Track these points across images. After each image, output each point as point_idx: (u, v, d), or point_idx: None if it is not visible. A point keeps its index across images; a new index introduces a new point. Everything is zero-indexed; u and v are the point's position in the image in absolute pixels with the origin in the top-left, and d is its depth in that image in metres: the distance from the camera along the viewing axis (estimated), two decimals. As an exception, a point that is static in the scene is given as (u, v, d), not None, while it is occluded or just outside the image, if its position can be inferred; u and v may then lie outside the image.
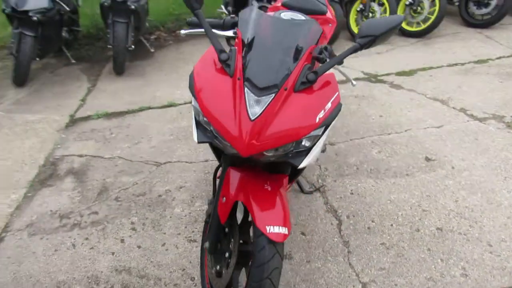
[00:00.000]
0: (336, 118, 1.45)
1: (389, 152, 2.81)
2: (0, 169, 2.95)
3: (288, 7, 2.47)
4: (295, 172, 1.82)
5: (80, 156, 3.08)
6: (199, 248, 2.12)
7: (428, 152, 2.77)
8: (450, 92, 3.59)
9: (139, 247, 2.18)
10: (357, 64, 4.39)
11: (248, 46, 1.42)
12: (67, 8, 4.74)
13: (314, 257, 2.03)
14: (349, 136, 3.05)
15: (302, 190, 2.48)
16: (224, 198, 1.56)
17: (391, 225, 2.19)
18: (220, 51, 1.39)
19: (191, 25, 1.65)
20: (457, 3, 5.31)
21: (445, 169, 2.58)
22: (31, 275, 2.05)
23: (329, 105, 1.40)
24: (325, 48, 1.52)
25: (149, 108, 3.79)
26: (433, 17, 4.87)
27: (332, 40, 5.07)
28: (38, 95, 4.26)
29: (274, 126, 1.30)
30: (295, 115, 1.33)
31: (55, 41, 4.90)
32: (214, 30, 1.55)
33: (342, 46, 5.02)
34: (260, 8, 2.46)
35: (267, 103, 1.31)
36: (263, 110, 1.30)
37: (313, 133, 1.36)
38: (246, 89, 1.33)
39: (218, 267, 1.63)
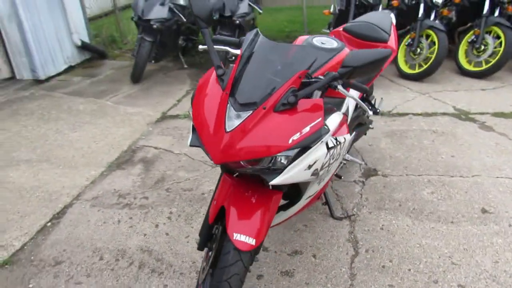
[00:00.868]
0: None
1: (443, 195, 2.59)
2: (92, 149, 3.51)
3: (348, 32, 2.49)
4: (297, 194, 1.86)
5: (156, 148, 3.49)
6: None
7: (487, 204, 2.47)
8: (549, 142, 3.12)
9: (167, 234, 2.42)
10: (451, 98, 4.06)
11: (243, 64, 1.53)
12: (184, 20, 5.35)
13: (314, 281, 2.02)
14: (407, 170, 2.88)
15: (332, 215, 2.45)
16: (215, 201, 1.69)
17: (409, 269, 2.04)
18: (218, 66, 1.54)
19: (214, 41, 1.82)
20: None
21: (499, 225, 2.29)
22: (78, 238, 2.44)
23: (307, 129, 1.43)
24: (327, 74, 1.54)
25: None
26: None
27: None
28: (146, 92, 4.90)
29: (246, 140, 1.39)
30: (269, 133, 1.40)
31: (170, 47, 5.58)
32: (232, 50, 1.71)
33: (446, 77, 4.69)
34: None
35: (244, 118, 1.41)
36: (239, 124, 1.40)
37: (284, 153, 1.41)
38: (228, 103, 1.45)
39: (204, 263, 1.77)
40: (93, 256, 2.27)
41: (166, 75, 5.57)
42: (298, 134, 1.41)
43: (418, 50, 4.63)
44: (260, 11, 5.35)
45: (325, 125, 1.54)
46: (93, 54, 6.34)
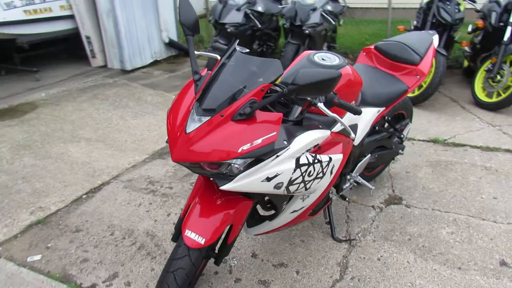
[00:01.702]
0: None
1: (463, 237, 2.36)
2: (144, 136, 3.85)
3: (378, 50, 2.42)
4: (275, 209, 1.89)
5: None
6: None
7: (511, 257, 2.20)
8: None
9: (173, 223, 2.58)
10: (523, 135, 3.62)
11: (216, 73, 1.60)
12: (259, 25, 5.52)
13: (287, 296, 2.01)
14: (435, 205, 2.67)
15: (332, 235, 2.39)
16: (189, 198, 1.79)
17: (388, 306, 1.92)
18: (195, 72, 1.63)
19: (215, 48, 1.91)
20: None
21: (514, 282, 2.02)
22: (101, 212, 2.72)
23: (258, 141, 1.46)
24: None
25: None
26: None
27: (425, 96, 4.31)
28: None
29: (200, 143, 1.47)
30: (222, 139, 1.46)
31: (244, 51, 5.80)
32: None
33: (450, 108, 4.18)
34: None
35: (202, 123, 1.49)
36: (196, 128, 1.48)
37: (233, 161, 1.46)
38: (193, 107, 1.53)
39: None
40: (106, 231, 2.53)
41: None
42: (249, 144, 1.45)
43: (498, 77, 4.19)
44: (334, 22, 5.29)
45: (286, 140, 1.54)
46: (179, 51, 6.86)
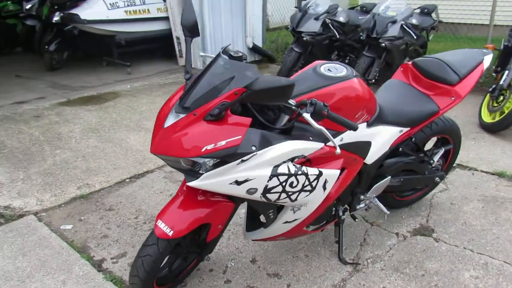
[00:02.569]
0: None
1: (488, 284, 2.06)
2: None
3: (415, 66, 2.27)
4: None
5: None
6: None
7: (540, 317, 1.86)
8: None
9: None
10: None
11: (201, 73, 1.65)
12: (338, 36, 5.42)
13: (267, 307, 1.97)
14: (469, 244, 2.37)
15: (339, 256, 2.27)
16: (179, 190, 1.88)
17: None
18: (186, 71, 1.71)
19: (223, 52, 1.95)
20: None
21: None
22: (136, 197, 2.94)
23: (222, 142, 1.47)
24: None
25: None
26: None
27: None
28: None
29: (172, 138, 1.53)
30: (191, 137, 1.51)
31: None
32: None
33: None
34: None
35: (177, 119, 1.55)
36: (172, 123, 1.56)
37: (196, 159, 1.50)
38: (175, 104, 1.61)
39: None
40: (132, 214, 2.74)
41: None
42: (213, 145, 1.48)
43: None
44: (415, 37, 4.95)
45: (255, 146, 1.53)
46: (263, 57, 7.05)
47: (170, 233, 1.65)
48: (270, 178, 1.62)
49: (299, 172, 1.69)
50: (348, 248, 2.36)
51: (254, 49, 6.81)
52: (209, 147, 1.48)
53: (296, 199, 1.77)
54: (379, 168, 2.22)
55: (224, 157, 1.50)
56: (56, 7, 6.10)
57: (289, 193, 1.72)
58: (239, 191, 1.60)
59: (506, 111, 3.76)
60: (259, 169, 1.59)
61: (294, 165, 1.68)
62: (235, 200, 1.79)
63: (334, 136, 1.82)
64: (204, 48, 6.15)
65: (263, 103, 1.52)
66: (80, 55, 6.90)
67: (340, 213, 2.21)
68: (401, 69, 2.36)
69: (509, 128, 3.89)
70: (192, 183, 1.56)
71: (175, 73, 6.18)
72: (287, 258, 2.30)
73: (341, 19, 5.54)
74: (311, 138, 1.72)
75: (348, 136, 1.87)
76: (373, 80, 4.95)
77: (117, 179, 3.18)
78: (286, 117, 1.69)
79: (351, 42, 5.82)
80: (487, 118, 4.02)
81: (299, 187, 1.73)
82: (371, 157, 2.05)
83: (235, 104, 1.52)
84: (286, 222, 1.93)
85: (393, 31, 4.72)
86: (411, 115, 2.11)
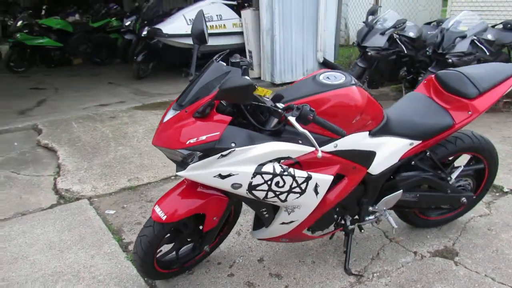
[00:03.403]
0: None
1: (499, 316, 1.90)
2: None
3: (437, 79, 2.22)
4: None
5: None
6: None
7: None
8: None
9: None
10: None
11: (198, 75, 1.81)
12: (405, 51, 5.24)
13: (259, 303, 2.05)
14: (492, 272, 2.19)
15: (344, 266, 2.26)
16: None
17: None
18: (190, 74, 1.89)
19: (324, 63, 2.08)
20: None
21: None
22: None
23: (203, 137, 1.63)
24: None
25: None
26: None
27: None
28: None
29: (167, 132, 1.73)
30: (180, 131, 1.68)
31: (387, 77, 5.59)
32: None
33: None
34: None
35: (173, 115, 1.75)
36: (168, 119, 1.75)
37: (181, 151, 1.67)
38: (175, 102, 1.80)
39: None
40: (167, 207, 3.00)
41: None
42: (195, 139, 1.64)
43: None
44: (488, 53, 4.60)
45: (234, 143, 1.65)
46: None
47: (164, 218, 1.84)
48: (254, 176, 1.73)
49: (285, 173, 1.77)
50: (358, 260, 2.34)
51: (325, 63, 6.85)
52: (192, 140, 1.65)
53: (286, 200, 1.84)
54: (390, 181, 2.18)
55: (205, 151, 1.65)
56: (145, 22, 6.85)
57: (277, 193, 1.80)
58: (224, 185, 1.74)
59: None
60: (243, 165, 1.71)
61: (280, 165, 1.77)
62: (230, 196, 1.93)
63: (328, 142, 1.86)
64: (273, 62, 6.37)
65: (234, 101, 1.64)
66: (164, 66, 7.60)
67: (348, 223, 2.21)
68: (425, 81, 2.29)
69: None
70: (179, 173, 1.74)
71: (244, 84, 6.49)
72: (294, 261, 2.35)
73: (411, 34, 5.35)
74: (300, 142, 1.79)
75: (345, 143, 1.89)
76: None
77: (164, 175, 3.49)
78: (275, 120, 1.79)
79: (423, 58, 5.58)
80: None
81: (287, 187, 1.80)
82: (376, 168, 2.04)
83: (222, 103, 1.67)
84: (283, 223, 2.00)
85: (462, 46, 4.45)
86: (422, 128, 2.04)
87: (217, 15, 6.66)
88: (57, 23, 8.03)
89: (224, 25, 6.69)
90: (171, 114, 1.78)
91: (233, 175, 1.71)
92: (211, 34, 6.56)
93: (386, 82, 5.80)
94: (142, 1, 8.02)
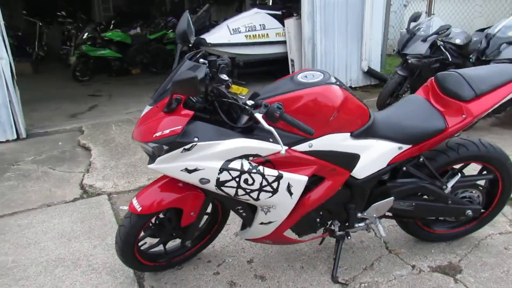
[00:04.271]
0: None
1: None
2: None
3: (435, 80, 2.11)
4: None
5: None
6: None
7: None
8: None
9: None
10: None
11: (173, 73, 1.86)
12: (450, 59, 4.93)
13: (235, 302, 2.04)
14: (496, 293, 1.98)
15: (332, 273, 2.17)
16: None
17: None
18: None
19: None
20: None
21: None
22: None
23: (167, 131, 1.68)
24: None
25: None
26: None
27: None
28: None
29: (140, 127, 1.80)
30: (150, 125, 1.75)
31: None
32: None
33: None
34: None
35: (147, 110, 1.82)
36: (143, 114, 1.83)
37: (150, 144, 1.72)
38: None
39: None
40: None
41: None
42: (160, 132, 1.70)
43: None
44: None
45: (197, 137, 1.68)
46: (379, 81, 6.83)
47: (139, 209, 1.91)
48: (221, 171, 1.74)
49: (254, 171, 1.76)
50: (349, 269, 2.23)
51: (370, 72, 6.66)
52: (158, 134, 1.71)
53: (258, 199, 1.83)
54: (380, 187, 2.07)
55: (167, 144, 1.70)
56: (193, 33, 7.13)
57: (247, 190, 1.80)
58: (192, 179, 1.77)
59: None
60: (209, 160, 1.73)
61: (249, 163, 1.77)
62: (206, 192, 1.95)
63: (303, 141, 1.83)
64: (313, 70, 6.31)
65: (185, 94, 1.67)
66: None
67: (336, 228, 2.13)
68: (426, 84, 2.16)
69: None
70: (149, 166, 1.80)
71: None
72: (283, 265, 2.31)
73: (458, 41, 5.03)
74: (271, 140, 1.77)
75: (321, 144, 1.84)
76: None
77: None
78: (245, 117, 1.80)
79: (471, 66, 5.22)
80: None
81: (256, 185, 1.79)
82: (361, 172, 1.95)
83: (190, 99, 1.74)
84: (262, 223, 1.98)
85: (508, 53, 4.10)
86: (410, 131, 1.92)
87: (260, 25, 6.76)
88: (118, 36, 8.63)
89: (267, 34, 6.78)
90: (146, 109, 1.85)
91: (200, 169, 1.74)
92: (254, 43, 6.77)
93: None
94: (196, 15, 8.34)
